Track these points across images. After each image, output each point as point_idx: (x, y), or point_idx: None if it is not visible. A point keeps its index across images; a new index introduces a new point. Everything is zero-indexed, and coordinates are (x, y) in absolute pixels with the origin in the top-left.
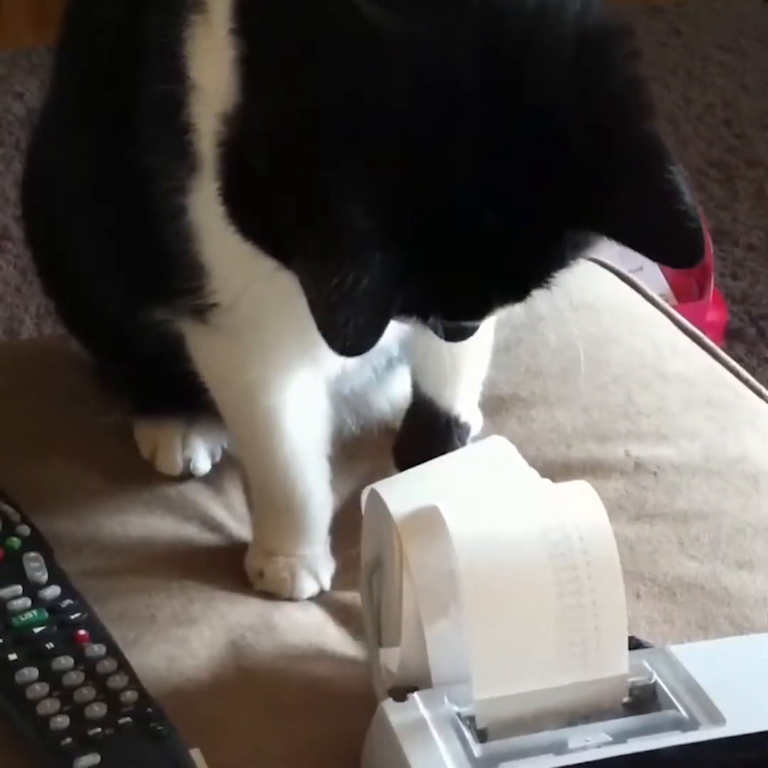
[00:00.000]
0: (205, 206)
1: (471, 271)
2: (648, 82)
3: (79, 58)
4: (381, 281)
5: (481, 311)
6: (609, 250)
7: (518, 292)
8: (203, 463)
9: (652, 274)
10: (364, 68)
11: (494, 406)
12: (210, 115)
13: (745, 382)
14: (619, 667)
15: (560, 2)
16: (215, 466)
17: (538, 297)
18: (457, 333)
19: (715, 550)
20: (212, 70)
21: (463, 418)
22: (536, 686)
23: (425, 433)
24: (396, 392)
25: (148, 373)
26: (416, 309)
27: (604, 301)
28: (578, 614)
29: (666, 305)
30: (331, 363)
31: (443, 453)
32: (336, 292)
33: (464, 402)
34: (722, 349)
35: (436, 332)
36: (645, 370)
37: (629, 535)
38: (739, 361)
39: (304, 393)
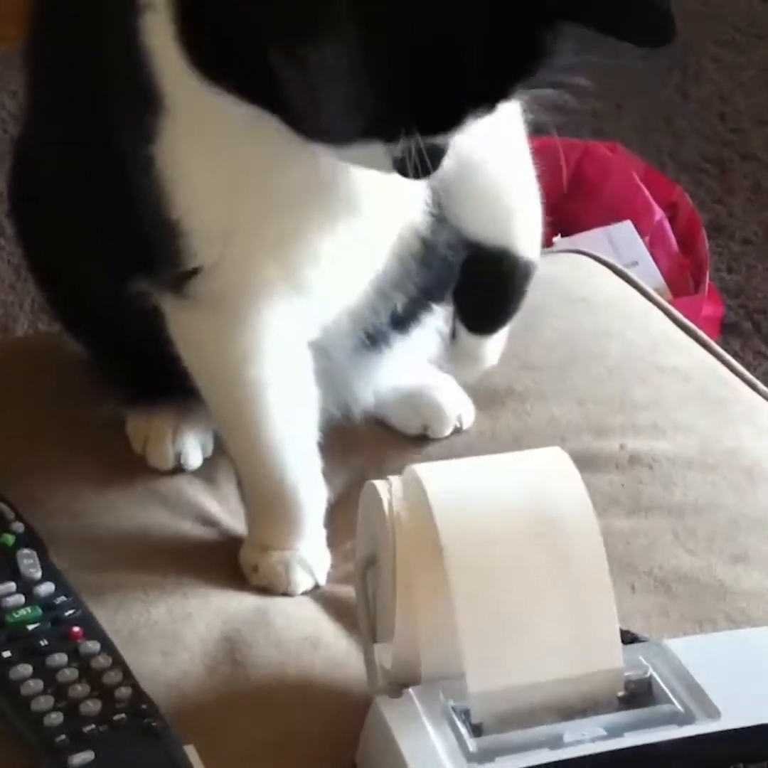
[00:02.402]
0: (175, 148)
1: (443, 63)
2: None
3: (46, 39)
4: (361, 59)
5: (453, 118)
6: (603, 247)
7: (491, 95)
8: (195, 457)
9: (647, 269)
10: None
11: (490, 399)
12: (164, 32)
13: (740, 376)
14: (614, 660)
15: None
16: (208, 460)
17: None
18: (427, 159)
19: (710, 544)
20: None
21: (529, 258)
22: (530, 680)
23: (493, 282)
24: (381, 382)
25: (139, 365)
26: (388, 119)
27: (600, 295)
28: (565, 600)
29: (661, 299)
30: (321, 309)
31: (514, 299)
32: (317, 71)
33: (527, 242)
34: (718, 343)
35: (405, 168)
36: (640, 364)
37: (624, 529)
38: (735, 355)
39: (289, 370)
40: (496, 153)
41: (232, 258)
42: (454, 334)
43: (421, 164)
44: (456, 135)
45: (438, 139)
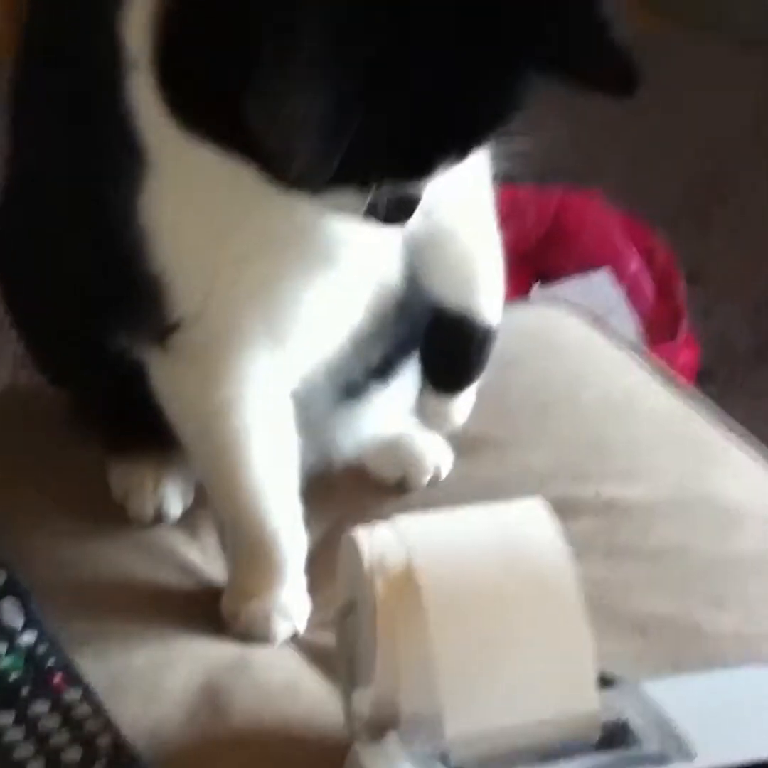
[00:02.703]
0: (158, 201)
1: (416, 112)
2: None
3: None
4: (335, 105)
5: (425, 166)
6: (580, 295)
7: (461, 144)
8: (175, 507)
9: (624, 316)
10: None
11: (467, 447)
12: (147, 88)
13: (714, 422)
14: (591, 703)
15: None
16: (189, 510)
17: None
18: (399, 208)
19: (686, 587)
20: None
21: (490, 324)
22: (508, 722)
23: (454, 345)
24: (360, 431)
25: (120, 416)
26: (360, 167)
27: (575, 343)
28: (542, 644)
29: (637, 346)
30: (300, 360)
31: (475, 362)
32: (290, 115)
33: (488, 308)
34: (694, 389)
35: (376, 214)
36: (616, 411)
37: (601, 573)
38: (712, 400)
39: (270, 419)
40: (464, 221)
41: (214, 309)
42: (421, 394)
43: (393, 212)
44: (428, 184)
45: (410, 187)
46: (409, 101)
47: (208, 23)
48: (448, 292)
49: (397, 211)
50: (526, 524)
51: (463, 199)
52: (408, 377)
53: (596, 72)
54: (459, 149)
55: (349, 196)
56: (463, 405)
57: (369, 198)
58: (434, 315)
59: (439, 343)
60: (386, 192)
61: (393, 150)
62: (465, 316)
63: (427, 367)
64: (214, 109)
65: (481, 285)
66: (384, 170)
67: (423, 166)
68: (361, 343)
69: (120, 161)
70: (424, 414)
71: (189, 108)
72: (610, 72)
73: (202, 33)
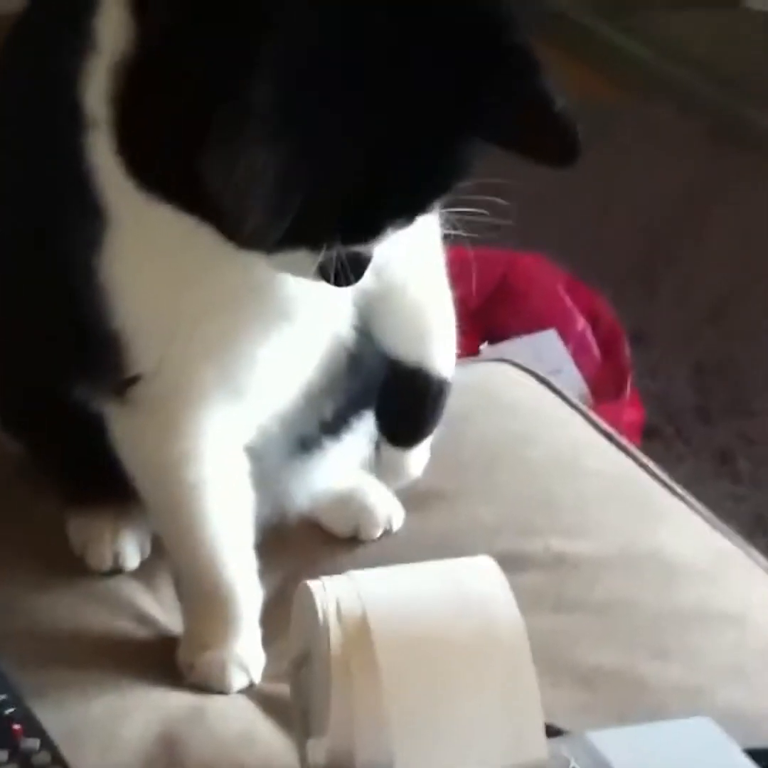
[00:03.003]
0: (118, 259)
1: (365, 178)
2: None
3: None
4: (286, 169)
5: (373, 229)
6: (528, 354)
7: (409, 209)
8: (132, 558)
9: (571, 376)
10: None
11: (418, 502)
12: (106, 148)
13: (658, 479)
14: (538, 752)
15: None
16: (146, 561)
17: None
18: (349, 268)
19: (631, 640)
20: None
21: (444, 377)
22: None
23: (409, 397)
24: (313, 485)
25: (78, 467)
26: (311, 229)
27: (523, 401)
28: (492, 695)
29: (582, 406)
30: (255, 413)
31: (430, 414)
32: (243, 179)
33: (442, 361)
34: (640, 447)
35: (327, 274)
36: (563, 467)
37: (549, 626)
38: (657, 458)
39: (225, 472)
40: (415, 276)
41: (171, 364)
42: (377, 447)
43: (344, 272)
44: (377, 245)
45: (360, 249)
46: (357, 167)
47: (165, 87)
48: (401, 346)
49: (347, 271)
50: (476, 579)
51: (414, 257)
52: (360, 432)
53: (537, 142)
54: (407, 213)
55: (300, 257)
56: (418, 458)
57: (319, 258)
58: (389, 369)
59: (393, 396)
60: (336, 253)
61: (341, 213)
62: (419, 369)
63: (383, 421)
64: (171, 170)
65: (434, 338)
66: (333, 232)
67: (371, 229)
68: (314, 397)
69: (80, 219)
70: (380, 467)
71: (147, 169)
72: (550, 142)
73: (158, 97)
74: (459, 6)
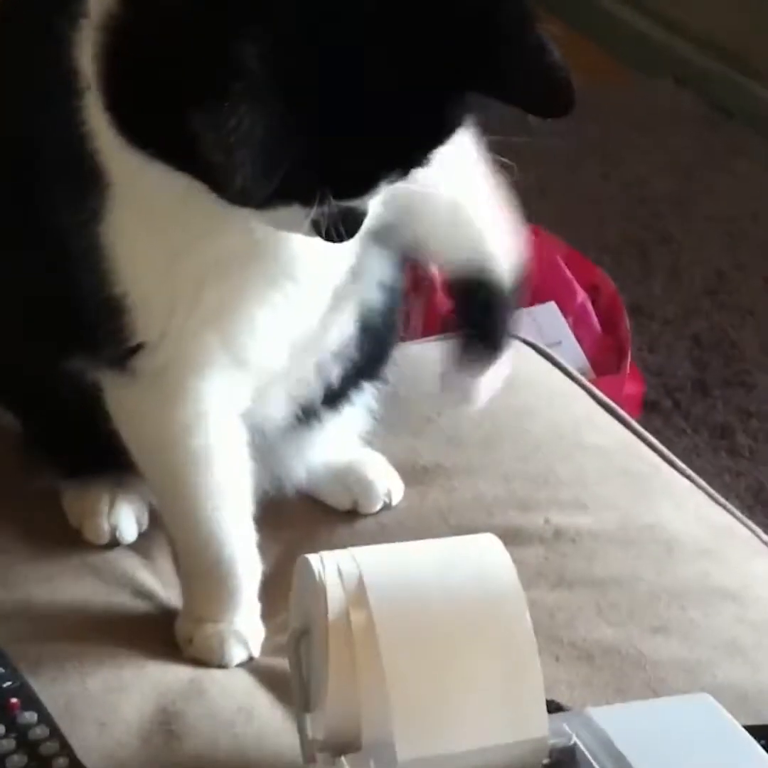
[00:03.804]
0: (118, 225)
1: (355, 131)
2: None
3: None
4: (275, 123)
5: (367, 181)
6: (528, 328)
7: (404, 159)
8: (129, 531)
9: (570, 349)
10: None
11: (417, 476)
12: (99, 109)
13: (659, 452)
14: (539, 729)
15: None
16: (143, 534)
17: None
18: (344, 224)
19: (631, 616)
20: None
21: (507, 285)
22: (459, 748)
23: (477, 311)
24: (312, 458)
25: (74, 440)
26: (302, 184)
27: (524, 375)
28: (493, 671)
29: (583, 379)
30: (257, 378)
31: (499, 328)
32: (233, 133)
33: (502, 268)
34: (639, 420)
35: (321, 230)
36: (563, 441)
37: (549, 602)
38: (656, 432)
39: (226, 442)
40: (456, 182)
41: (173, 331)
42: (448, 372)
43: (336, 228)
44: (371, 199)
45: (354, 204)
46: (347, 120)
47: (156, 45)
48: (456, 255)
49: (342, 226)
50: (478, 555)
51: (452, 164)
52: (359, 405)
53: (530, 93)
54: (399, 166)
55: (293, 212)
56: (488, 385)
57: (312, 214)
58: (453, 289)
59: (462, 314)
60: (330, 208)
61: (333, 168)
62: (478, 279)
63: (465, 337)
64: (160, 125)
65: (487, 243)
66: (325, 187)
67: (364, 183)
68: (324, 361)
69: (78, 185)
70: (449, 395)
71: (136, 124)
72: (543, 93)
73: (149, 54)
74: None
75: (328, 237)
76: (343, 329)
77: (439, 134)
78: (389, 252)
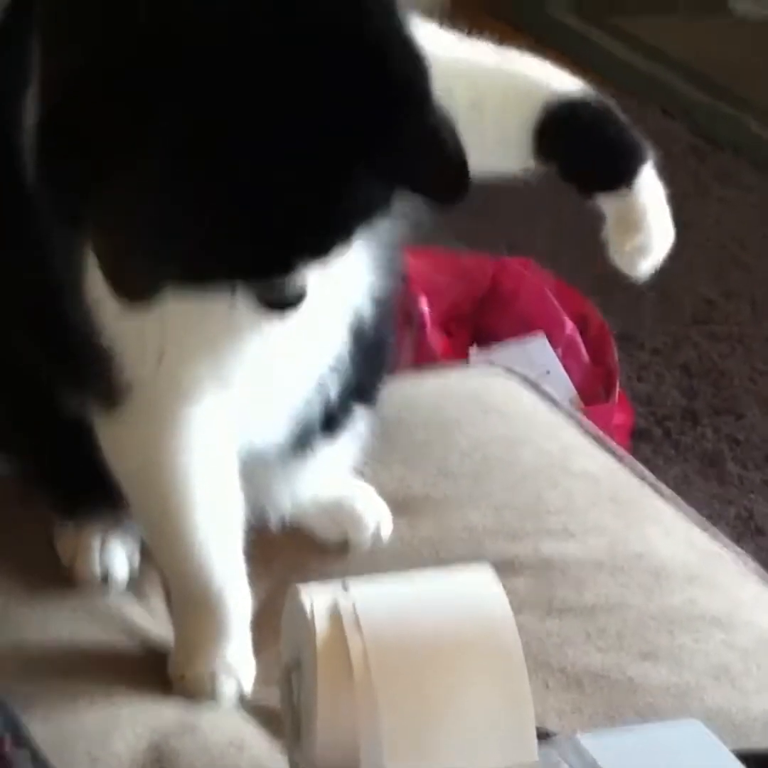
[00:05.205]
0: (101, 280)
1: (261, 216)
2: (411, 37)
3: None
4: (165, 220)
5: (281, 266)
6: (517, 358)
7: (316, 244)
8: (121, 570)
9: (560, 379)
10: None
11: (408, 506)
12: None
13: (646, 481)
14: (529, 754)
15: None
16: (136, 572)
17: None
18: (277, 303)
19: (620, 642)
20: None
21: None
22: None
23: (588, 128)
24: (305, 491)
25: (66, 479)
26: (215, 267)
27: (512, 405)
28: (484, 700)
29: (571, 409)
30: (249, 411)
31: (618, 135)
32: (125, 232)
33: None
34: (629, 449)
35: (264, 303)
36: (551, 471)
37: (539, 629)
38: (646, 461)
39: (215, 475)
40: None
41: (161, 372)
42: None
43: (279, 302)
44: (300, 276)
45: (283, 281)
46: (245, 213)
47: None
48: (516, 104)
49: (279, 304)
50: (472, 586)
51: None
52: (353, 433)
53: (427, 179)
54: (312, 253)
55: (219, 291)
56: (654, 211)
57: (244, 291)
58: (547, 121)
59: (576, 136)
60: (259, 286)
61: (241, 255)
62: (556, 107)
63: (588, 167)
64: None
65: (550, 79)
66: (242, 271)
67: (278, 267)
68: (320, 381)
69: (63, 241)
70: (615, 231)
71: (59, 201)
72: (439, 179)
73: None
74: (343, 39)
75: (269, 313)
76: (337, 342)
77: (346, 221)
78: (387, 245)
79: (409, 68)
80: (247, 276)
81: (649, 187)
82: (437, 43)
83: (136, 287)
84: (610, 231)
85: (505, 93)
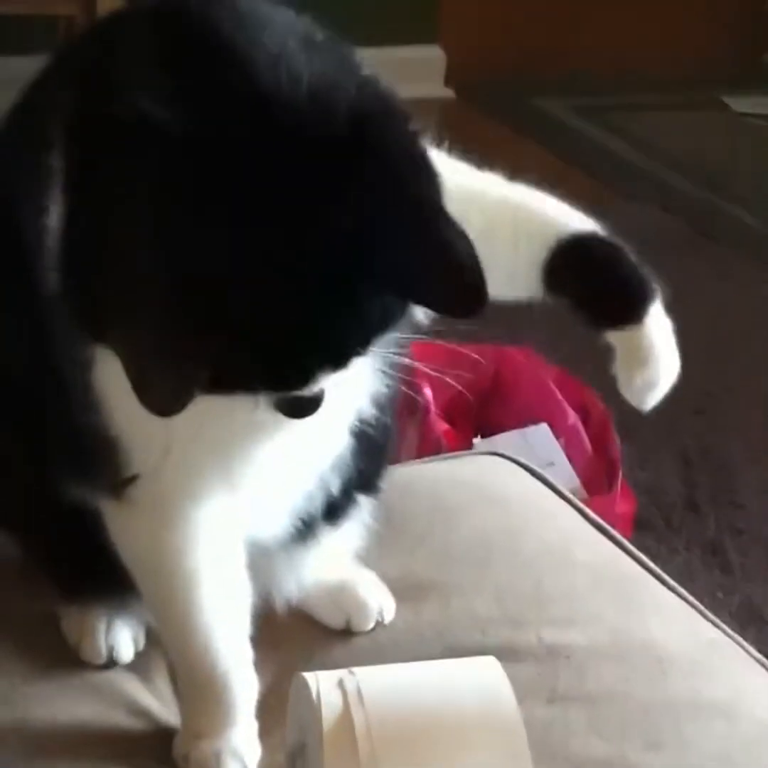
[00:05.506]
0: (109, 376)
1: (281, 336)
2: (424, 153)
3: None
4: (188, 344)
5: (302, 379)
6: (520, 448)
7: (336, 357)
8: (127, 651)
9: (563, 469)
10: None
11: (411, 593)
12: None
13: (648, 569)
14: None
15: (332, 89)
16: (142, 653)
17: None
18: (297, 407)
19: (623, 731)
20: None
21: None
22: None
23: (596, 270)
24: (308, 577)
25: (72, 559)
26: (238, 380)
27: (515, 494)
28: None
29: (573, 498)
30: (256, 504)
31: (630, 273)
32: (146, 355)
33: (584, 223)
34: (631, 539)
35: (281, 410)
36: (554, 559)
37: (542, 717)
38: (647, 550)
39: (222, 563)
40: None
41: (171, 464)
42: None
43: (297, 409)
44: (316, 387)
45: (299, 392)
46: (266, 330)
47: (86, 254)
48: (529, 235)
49: (299, 408)
50: (478, 677)
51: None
52: (356, 521)
53: (440, 294)
54: (329, 364)
55: (245, 399)
56: (660, 337)
57: (263, 400)
58: (558, 257)
59: (587, 274)
60: (279, 395)
61: (263, 368)
62: (568, 242)
63: (598, 305)
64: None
65: (545, 212)
66: (262, 382)
67: (298, 379)
68: (322, 478)
69: (70, 340)
70: (623, 363)
71: (89, 323)
72: (452, 295)
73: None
74: (351, 157)
75: (289, 414)
76: (338, 442)
77: (362, 332)
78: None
79: (423, 183)
80: (271, 389)
81: (657, 324)
82: (449, 169)
83: (164, 400)
84: (619, 366)
85: (516, 226)
